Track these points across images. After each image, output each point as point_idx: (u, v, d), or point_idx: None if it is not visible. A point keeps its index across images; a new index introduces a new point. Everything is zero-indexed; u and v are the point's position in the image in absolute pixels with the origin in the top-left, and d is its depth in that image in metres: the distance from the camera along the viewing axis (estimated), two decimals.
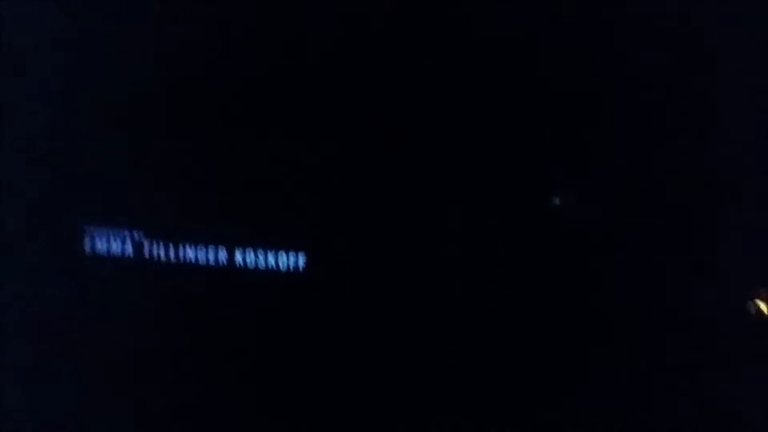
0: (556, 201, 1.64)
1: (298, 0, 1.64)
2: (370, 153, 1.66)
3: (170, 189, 1.67)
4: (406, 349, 1.63)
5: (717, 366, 1.50)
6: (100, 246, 1.67)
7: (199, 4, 1.66)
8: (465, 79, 1.62)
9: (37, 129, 1.66)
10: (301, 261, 1.67)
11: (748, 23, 1.50)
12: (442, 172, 1.65)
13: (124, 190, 1.68)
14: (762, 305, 1.52)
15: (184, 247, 1.67)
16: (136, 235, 1.67)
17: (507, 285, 1.62)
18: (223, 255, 1.67)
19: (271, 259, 1.67)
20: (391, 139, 1.65)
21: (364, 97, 1.65)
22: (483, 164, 1.64)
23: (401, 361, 1.63)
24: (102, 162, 1.67)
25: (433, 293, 1.64)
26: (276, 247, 1.67)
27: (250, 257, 1.67)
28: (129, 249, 1.67)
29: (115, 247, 1.67)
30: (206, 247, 1.67)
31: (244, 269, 1.67)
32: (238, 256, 1.67)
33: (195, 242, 1.67)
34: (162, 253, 1.67)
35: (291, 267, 1.67)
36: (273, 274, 1.67)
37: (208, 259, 1.67)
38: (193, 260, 1.67)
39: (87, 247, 1.66)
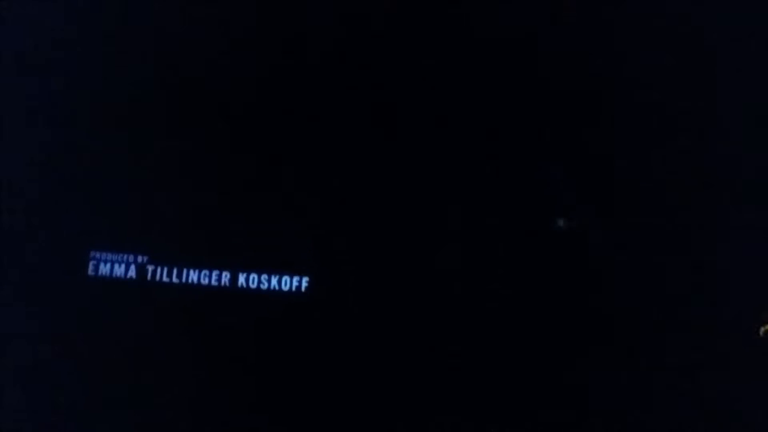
0: (561, 223, 1.65)
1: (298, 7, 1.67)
2: (371, 179, 1.69)
3: (175, 214, 1.69)
4: (407, 368, 1.65)
5: (723, 379, 1.51)
6: (105, 270, 1.67)
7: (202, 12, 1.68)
8: (472, 99, 1.65)
9: (44, 156, 1.68)
10: (304, 283, 1.69)
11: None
12: (443, 198, 1.68)
13: (129, 216, 1.69)
14: None
15: (188, 270, 1.69)
16: (140, 259, 1.68)
17: (508, 308, 1.64)
18: (226, 278, 1.69)
19: (273, 282, 1.69)
20: (393, 166, 1.69)
21: (365, 122, 1.69)
22: (483, 187, 1.67)
23: (402, 379, 1.64)
24: (107, 187, 1.69)
25: (433, 314, 1.66)
26: (278, 269, 1.69)
27: (253, 280, 1.69)
28: (133, 273, 1.68)
29: (120, 270, 1.68)
30: (210, 270, 1.69)
31: (247, 292, 1.69)
32: (241, 279, 1.69)
33: (199, 266, 1.69)
34: (166, 276, 1.68)
35: (293, 289, 1.69)
36: (275, 296, 1.68)
37: (211, 282, 1.68)
38: (196, 283, 1.68)
39: (92, 271, 1.67)
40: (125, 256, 1.68)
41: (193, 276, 1.69)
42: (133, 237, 1.68)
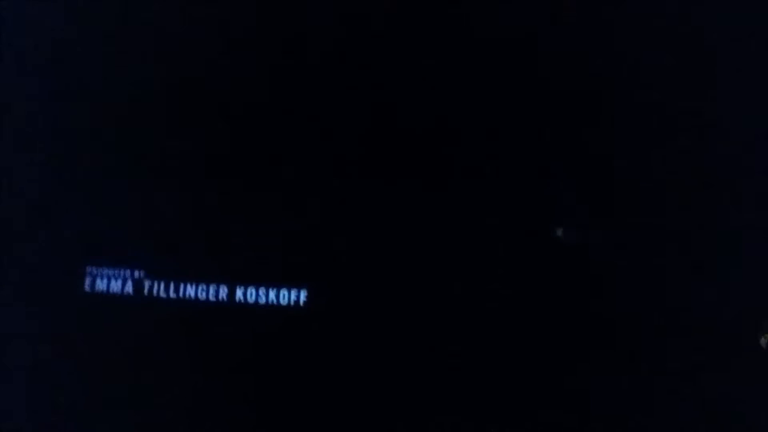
0: (560, 233, 1.64)
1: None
2: (370, 192, 1.67)
3: (171, 228, 1.68)
4: (406, 381, 1.64)
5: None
6: (101, 285, 1.67)
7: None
8: (476, 102, 1.63)
9: (40, 170, 1.67)
10: (302, 297, 1.68)
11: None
12: (444, 208, 1.66)
13: (125, 230, 1.68)
14: None
15: (185, 284, 1.68)
16: (137, 273, 1.67)
17: (509, 313, 1.64)
18: (223, 292, 1.68)
19: (271, 295, 1.68)
20: (390, 179, 1.67)
21: (363, 132, 1.67)
22: (485, 195, 1.65)
23: (402, 392, 1.64)
24: (103, 202, 1.67)
25: (433, 326, 1.65)
26: (276, 283, 1.68)
27: (251, 294, 1.68)
28: (129, 288, 1.67)
29: (116, 285, 1.67)
30: (207, 285, 1.68)
31: (245, 306, 1.67)
32: (239, 293, 1.68)
33: (196, 280, 1.68)
34: (163, 291, 1.67)
35: (291, 303, 1.68)
36: (273, 309, 1.67)
37: (209, 296, 1.67)
38: (194, 297, 1.67)
39: (88, 286, 1.66)
40: (121, 271, 1.67)
41: (191, 290, 1.68)
42: (129, 251, 1.67)
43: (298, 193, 1.69)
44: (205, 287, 1.68)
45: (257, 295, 1.68)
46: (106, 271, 1.67)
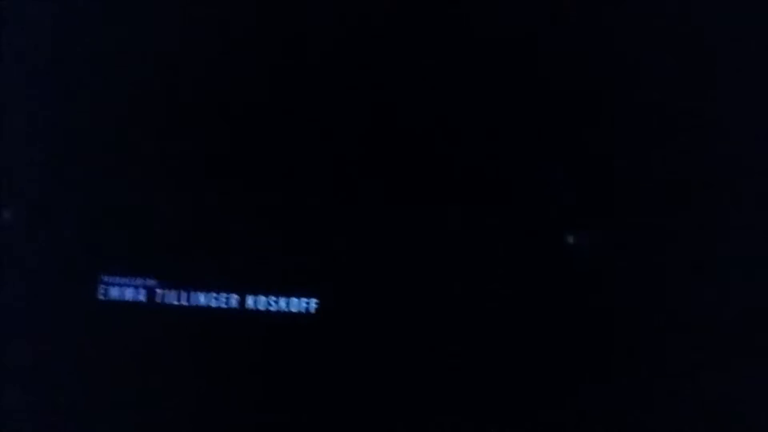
0: (571, 240, 1.63)
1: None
2: (382, 201, 1.67)
3: (183, 235, 1.70)
4: (418, 390, 1.63)
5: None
6: (114, 293, 1.69)
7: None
8: (480, 105, 1.62)
9: (52, 177, 1.69)
10: (312, 305, 1.69)
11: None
12: (453, 217, 1.65)
13: (138, 238, 1.70)
14: None
15: (196, 292, 1.69)
16: (149, 281, 1.69)
17: (518, 327, 1.62)
18: (234, 300, 1.69)
19: (282, 304, 1.69)
20: (403, 187, 1.67)
21: (374, 141, 1.66)
22: (494, 205, 1.64)
23: (413, 401, 1.63)
24: (115, 209, 1.69)
25: (444, 334, 1.64)
26: (286, 292, 1.69)
27: (261, 302, 1.69)
28: (142, 295, 1.69)
29: (129, 293, 1.69)
30: (218, 293, 1.69)
31: (255, 314, 1.69)
32: (249, 301, 1.69)
33: (207, 288, 1.69)
34: (174, 298, 1.69)
35: (302, 312, 1.69)
36: (283, 318, 1.68)
37: (220, 304, 1.69)
38: (204, 305, 1.69)
39: (101, 294, 1.68)
40: (134, 280, 1.70)
41: (202, 298, 1.69)
42: (142, 259, 1.69)
43: (311, 203, 1.70)
44: (215, 295, 1.69)
45: (268, 303, 1.69)
46: (119, 279, 1.69)
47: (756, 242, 1.53)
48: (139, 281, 1.69)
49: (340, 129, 1.69)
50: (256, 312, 1.69)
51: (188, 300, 1.69)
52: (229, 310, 1.68)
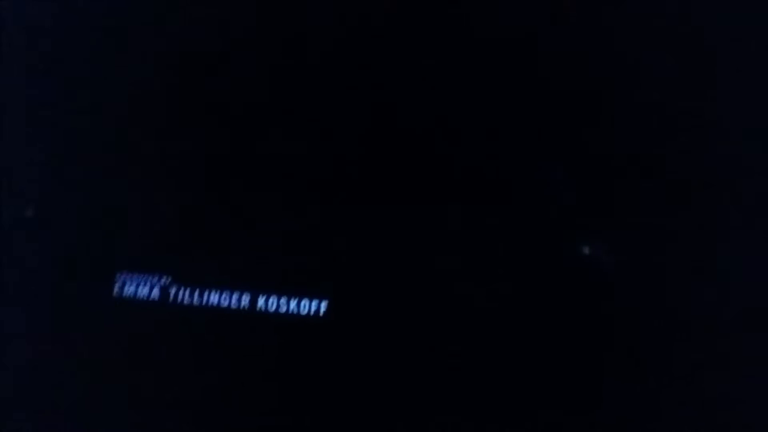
0: (586, 250, 1.58)
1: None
2: (395, 200, 1.64)
3: (198, 234, 1.70)
4: (427, 393, 1.60)
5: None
6: (129, 290, 1.71)
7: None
8: (485, 107, 1.57)
9: (69, 175, 1.72)
10: (323, 307, 1.66)
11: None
12: (464, 221, 1.61)
13: (153, 236, 1.71)
14: None
15: (209, 291, 1.69)
16: (164, 279, 1.70)
17: (523, 327, 1.58)
18: (245, 300, 1.69)
19: (292, 305, 1.67)
20: (415, 190, 1.63)
21: (383, 144, 1.63)
22: (505, 210, 1.59)
23: (423, 403, 1.60)
24: (130, 207, 1.71)
25: (454, 339, 1.61)
26: (297, 293, 1.67)
27: (272, 303, 1.67)
28: (156, 293, 1.71)
29: (144, 291, 1.71)
30: (230, 292, 1.69)
31: (266, 314, 1.68)
32: (260, 302, 1.68)
33: (220, 287, 1.69)
34: (188, 297, 1.70)
35: (313, 312, 1.67)
36: (294, 319, 1.67)
37: (231, 304, 1.69)
38: (216, 304, 1.69)
39: (116, 292, 1.71)
40: (149, 277, 1.71)
41: (215, 297, 1.69)
42: (157, 257, 1.71)
43: (325, 204, 1.67)
44: (228, 294, 1.69)
45: (278, 304, 1.68)
46: (135, 276, 1.71)
47: (758, 242, 1.44)
48: (154, 278, 1.71)
49: (357, 131, 1.65)
50: (268, 312, 1.68)
51: (201, 298, 1.69)
52: (241, 310, 1.68)
